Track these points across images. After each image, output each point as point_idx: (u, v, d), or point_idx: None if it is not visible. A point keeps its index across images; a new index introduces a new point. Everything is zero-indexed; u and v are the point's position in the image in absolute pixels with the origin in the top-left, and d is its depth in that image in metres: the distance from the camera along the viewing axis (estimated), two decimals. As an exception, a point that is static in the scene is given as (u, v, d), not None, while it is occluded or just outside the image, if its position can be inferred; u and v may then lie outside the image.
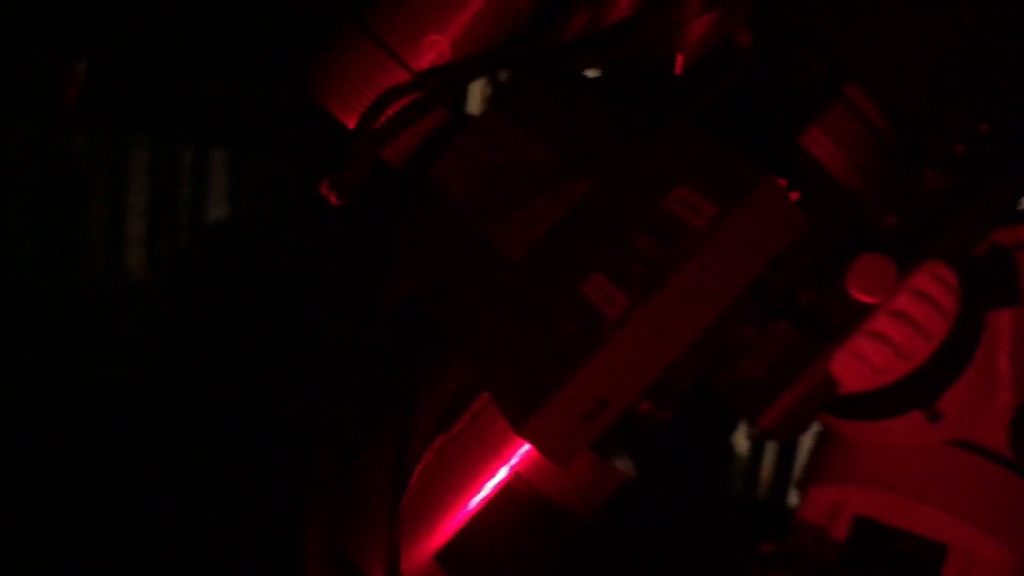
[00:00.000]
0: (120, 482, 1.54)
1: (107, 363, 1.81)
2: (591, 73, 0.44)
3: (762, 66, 0.39)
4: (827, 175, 0.42)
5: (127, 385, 1.75)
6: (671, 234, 0.35)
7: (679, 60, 0.41)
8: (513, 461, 0.45)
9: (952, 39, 0.45)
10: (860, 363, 0.51)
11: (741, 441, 1.59)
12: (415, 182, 0.48)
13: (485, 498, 0.45)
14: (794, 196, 0.40)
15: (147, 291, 1.99)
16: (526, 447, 0.45)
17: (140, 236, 2.03)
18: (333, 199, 0.40)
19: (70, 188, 1.95)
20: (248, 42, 1.77)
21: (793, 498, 1.40)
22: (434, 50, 0.42)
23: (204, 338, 1.88)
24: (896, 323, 0.51)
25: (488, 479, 0.44)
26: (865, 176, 0.44)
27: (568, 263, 0.38)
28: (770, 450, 1.61)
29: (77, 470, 1.55)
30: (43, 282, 1.92)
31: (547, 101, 0.46)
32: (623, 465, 0.49)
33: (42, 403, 1.68)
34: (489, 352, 0.39)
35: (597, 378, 0.35)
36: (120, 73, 1.79)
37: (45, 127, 1.86)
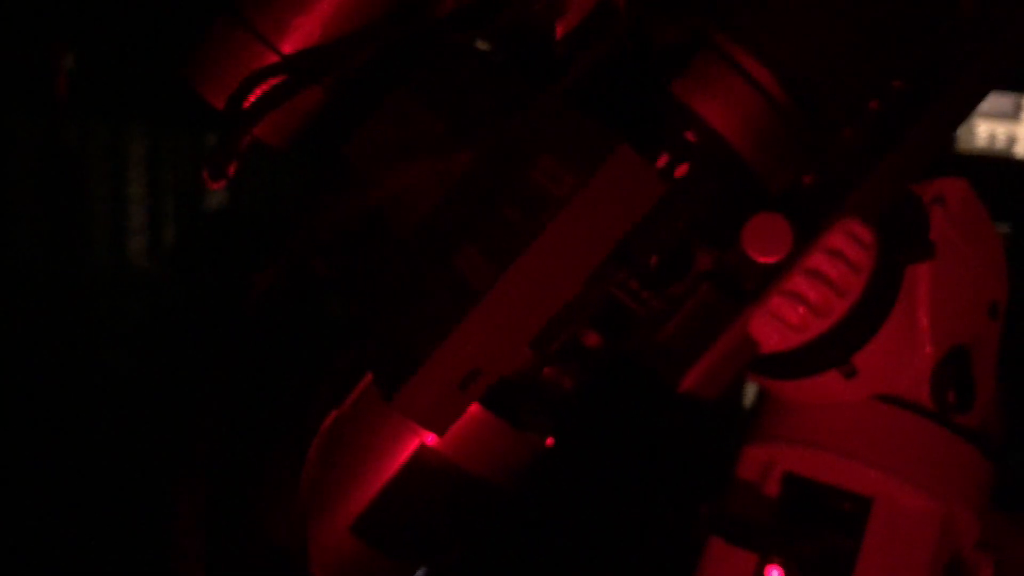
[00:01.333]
0: (124, 469, 1.57)
1: (111, 350, 1.83)
2: (482, 46, 0.45)
3: (636, 28, 0.40)
4: (712, 135, 0.43)
5: (131, 371, 1.78)
6: (533, 204, 0.36)
7: (558, 28, 0.42)
8: (419, 431, 0.45)
9: (848, 2, 0.45)
10: (777, 322, 0.52)
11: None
12: (328, 161, 0.49)
13: (394, 468, 0.46)
14: (662, 160, 0.41)
15: (149, 278, 2.01)
16: None
17: (140, 224, 2.05)
18: (209, 182, 0.41)
19: (69, 179, 1.97)
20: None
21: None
22: (301, 32, 0.43)
23: (206, 324, 1.90)
24: (810, 281, 0.51)
25: (391, 450, 0.45)
26: (753, 135, 0.44)
27: (445, 236, 0.39)
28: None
29: (82, 458, 1.58)
30: (46, 273, 1.95)
31: (445, 77, 0.46)
32: (539, 433, 0.49)
33: (48, 391, 1.71)
34: (371, 326, 0.40)
35: (464, 348, 0.36)
36: (113, 62, 1.81)
37: (41, 119, 1.88)
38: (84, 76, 1.81)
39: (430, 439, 0.45)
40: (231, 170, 0.41)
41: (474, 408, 0.45)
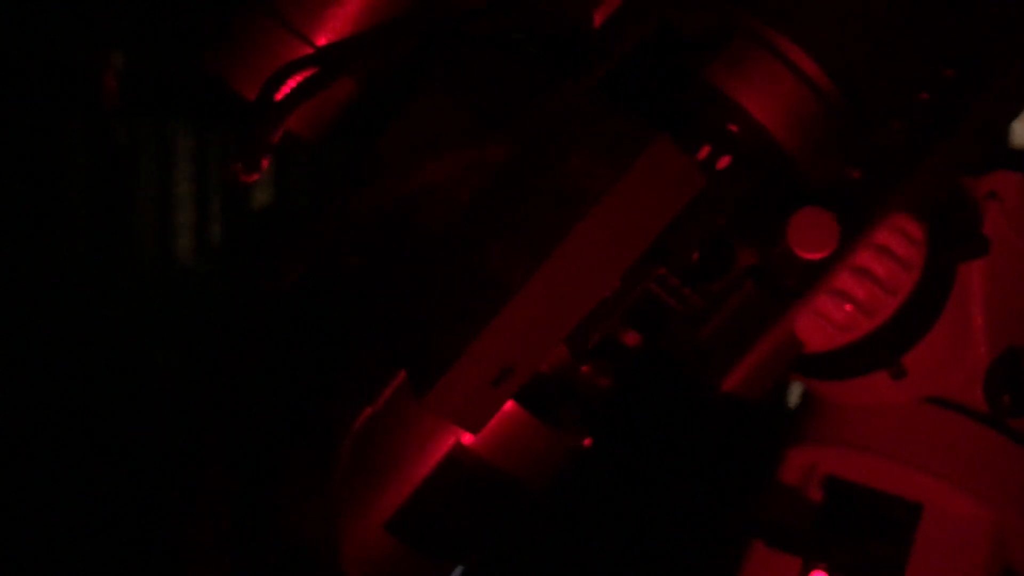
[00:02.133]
0: (170, 469, 1.58)
1: (158, 348, 1.85)
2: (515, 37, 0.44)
3: (672, 15, 0.38)
4: (754, 125, 0.41)
5: (178, 370, 1.80)
6: (568, 199, 0.35)
7: (595, 17, 0.41)
8: (454, 430, 0.45)
9: None
10: (823, 321, 0.50)
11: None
12: (361, 154, 0.48)
13: (430, 466, 0.45)
14: (705, 149, 0.40)
15: (196, 277, 2.03)
16: None
17: (188, 223, 2.07)
18: (241, 176, 0.40)
19: (118, 178, 2.00)
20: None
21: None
22: (334, 24, 0.43)
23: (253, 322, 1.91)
24: (858, 279, 0.49)
25: (427, 448, 0.44)
26: (796, 126, 0.42)
27: (480, 232, 0.38)
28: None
29: (128, 457, 1.60)
30: (94, 271, 1.97)
31: (478, 69, 0.45)
32: (576, 434, 0.49)
33: (95, 389, 1.73)
34: (403, 323, 0.39)
35: (497, 345, 0.35)
36: (161, 60, 1.82)
37: (90, 120, 1.90)
38: (132, 75, 1.83)
39: (466, 437, 0.44)
40: (264, 163, 0.40)
41: (511, 407, 0.45)
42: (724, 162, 0.41)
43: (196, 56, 0.42)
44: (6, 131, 1.81)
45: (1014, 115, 0.52)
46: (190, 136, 2.06)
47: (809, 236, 0.44)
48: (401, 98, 0.47)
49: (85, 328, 1.88)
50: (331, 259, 0.44)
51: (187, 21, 1.69)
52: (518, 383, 0.36)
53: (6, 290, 1.82)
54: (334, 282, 0.42)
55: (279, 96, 0.41)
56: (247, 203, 2.17)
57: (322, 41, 0.43)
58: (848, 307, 0.49)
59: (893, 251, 0.49)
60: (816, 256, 0.44)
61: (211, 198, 2.13)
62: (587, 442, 0.49)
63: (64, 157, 1.94)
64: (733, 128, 0.41)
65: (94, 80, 1.73)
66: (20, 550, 1.43)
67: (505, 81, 0.42)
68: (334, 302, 0.42)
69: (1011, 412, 0.52)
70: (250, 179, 0.40)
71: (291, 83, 0.42)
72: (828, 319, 0.50)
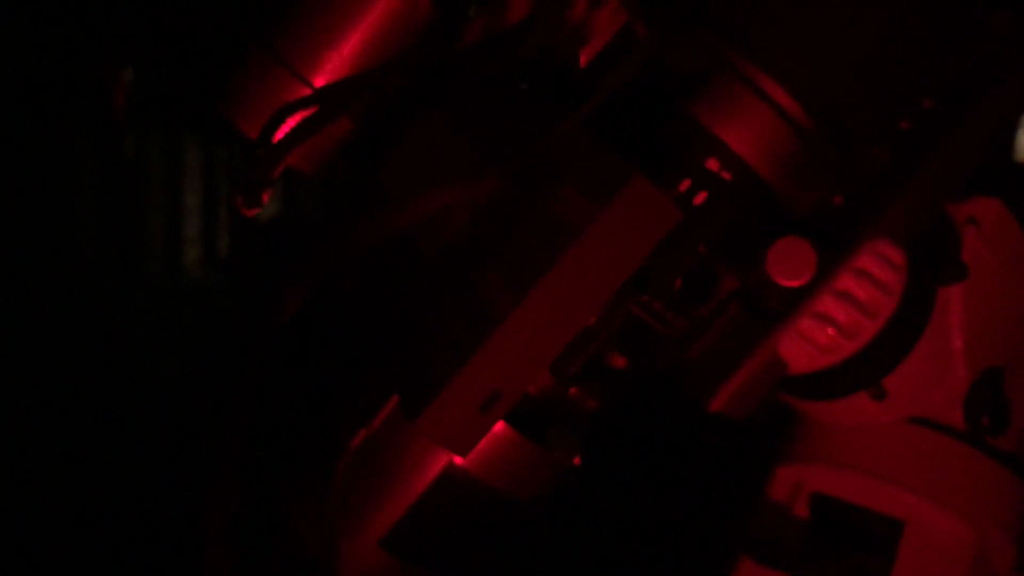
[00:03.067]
0: (178, 478, 1.60)
1: (166, 358, 1.87)
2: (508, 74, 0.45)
3: (657, 54, 0.40)
4: (736, 161, 0.43)
5: (185, 379, 1.82)
6: (551, 232, 0.37)
7: (581, 56, 0.42)
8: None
9: (871, 23, 0.45)
10: (806, 344, 0.52)
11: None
12: (363, 184, 0.50)
13: (424, 485, 0.47)
14: (684, 183, 0.41)
15: (205, 288, 2.05)
16: None
17: (196, 235, 2.09)
18: (243, 210, 0.42)
19: (128, 192, 2.02)
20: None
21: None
22: (332, 65, 0.44)
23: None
24: (839, 303, 0.51)
25: (420, 468, 0.46)
26: (777, 161, 0.44)
27: (468, 262, 0.40)
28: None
29: (135, 467, 1.61)
30: (106, 283, 2.00)
31: (474, 104, 0.47)
32: (567, 451, 0.50)
33: (103, 398, 1.75)
34: (396, 348, 0.41)
35: (484, 372, 0.37)
36: (170, 75, 1.85)
37: (100, 134, 1.93)
38: (141, 89, 1.85)
39: (458, 458, 0.46)
40: (264, 198, 0.42)
41: (501, 428, 0.46)
42: (701, 197, 0.43)
43: (205, 96, 0.44)
44: (19, 143, 1.83)
45: (994, 142, 0.53)
46: (198, 149, 2.09)
47: (787, 264, 0.45)
48: (399, 126, 0.49)
49: (94, 335, 1.90)
50: (330, 283, 0.45)
51: (195, 39, 1.72)
52: (505, 408, 0.38)
53: (17, 296, 1.84)
54: (332, 305, 0.43)
55: (278, 135, 0.42)
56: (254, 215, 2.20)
57: (320, 82, 0.45)
58: (830, 330, 0.51)
59: (874, 276, 0.50)
60: (794, 284, 0.46)
61: (218, 210, 2.15)
62: (576, 460, 0.51)
63: (75, 169, 1.96)
64: (712, 165, 0.43)
65: (105, 95, 1.76)
66: (19, 550, 1.44)
67: (500, 116, 0.44)
68: (332, 324, 0.43)
69: (990, 431, 0.54)
70: (251, 213, 0.42)
71: (290, 123, 0.43)
72: (811, 341, 0.51)
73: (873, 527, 0.54)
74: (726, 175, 0.43)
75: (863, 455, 0.54)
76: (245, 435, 0.39)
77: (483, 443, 0.43)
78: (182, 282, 2.08)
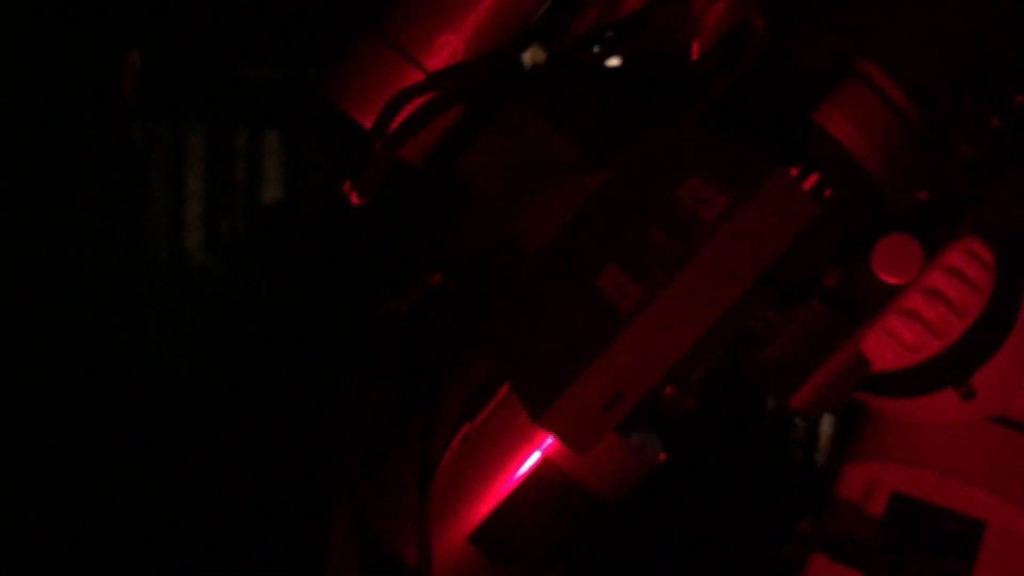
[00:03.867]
0: (183, 463, 1.58)
1: (168, 344, 1.85)
2: (613, 64, 0.44)
3: (776, 49, 0.39)
4: (847, 156, 0.42)
5: (188, 366, 1.80)
6: (683, 227, 0.36)
7: (695, 48, 0.41)
8: (543, 447, 0.45)
9: (973, 15, 0.45)
10: (892, 341, 0.51)
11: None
12: (442, 176, 0.49)
13: (516, 482, 0.46)
14: (811, 179, 0.40)
15: (207, 273, 2.03)
16: None
17: (199, 219, 2.07)
18: (354, 199, 0.41)
19: (131, 175, 2.00)
20: (300, 24, 1.79)
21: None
22: (447, 50, 0.43)
23: (263, 318, 1.92)
24: (928, 301, 0.50)
25: (516, 465, 0.45)
26: (886, 155, 0.43)
27: (584, 255, 0.39)
28: (827, 418, 1.59)
29: (141, 452, 1.59)
30: (108, 267, 1.97)
31: (570, 94, 0.46)
32: (652, 450, 0.49)
33: (105, 385, 1.73)
34: (509, 343, 0.39)
35: (611, 371, 0.36)
36: (174, 60, 1.82)
37: (105, 117, 1.90)
38: (147, 74, 1.83)
39: (554, 455, 0.45)
40: (376, 188, 0.41)
41: None
42: (828, 193, 0.42)
43: (315, 83, 0.42)
44: (23, 128, 1.80)
45: None
46: (203, 134, 2.06)
47: (894, 262, 0.44)
48: (477, 121, 0.47)
49: (96, 321, 1.88)
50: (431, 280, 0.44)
51: (202, 22, 1.69)
52: (627, 408, 0.37)
53: (19, 283, 1.82)
54: (434, 302, 0.42)
55: (395, 124, 0.41)
56: (257, 200, 2.17)
57: (434, 66, 0.43)
58: (918, 328, 0.50)
59: (965, 274, 0.50)
60: (899, 281, 0.45)
61: (222, 195, 2.13)
62: (662, 457, 0.50)
63: (79, 153, 1.93)
64: (832, 158, 0.42)
65: (112, 79, 1.73)
66: (19, 550, 1.43)
67: (602, 107, 0.43)
68: (434, 321, 0.42)
69: (1074, 433, 0.53)
70: (360, 201, 0.40)
71: (407, 110, 0.42)
72: (898, 339, 0.50)
73: (951, 527, 0.54)
74: (841, 171, 0.42)
75: (943, 454, 0.54)
76: (366, 436, 0.38)
77: None
78: (184, 265, 2.05)
